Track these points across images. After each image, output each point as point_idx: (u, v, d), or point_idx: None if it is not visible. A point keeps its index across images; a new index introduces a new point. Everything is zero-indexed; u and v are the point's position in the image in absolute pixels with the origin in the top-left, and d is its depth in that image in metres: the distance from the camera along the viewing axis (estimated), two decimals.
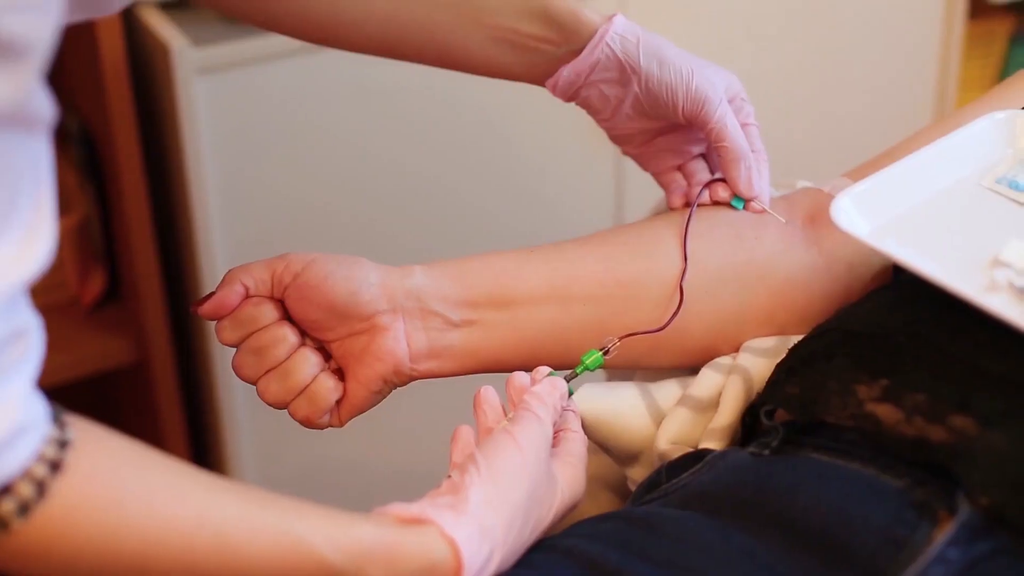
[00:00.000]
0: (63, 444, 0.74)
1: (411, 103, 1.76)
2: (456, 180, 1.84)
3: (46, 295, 1.79)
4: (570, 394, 1.01)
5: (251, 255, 1.05)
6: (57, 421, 0.75)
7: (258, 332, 1.02)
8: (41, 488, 0.73)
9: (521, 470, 0.90)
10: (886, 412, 0.93)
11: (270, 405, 1.03)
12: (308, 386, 1.02)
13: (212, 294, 1.02)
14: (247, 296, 1.02)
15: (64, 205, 1.77)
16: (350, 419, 1.05)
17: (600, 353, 1.05)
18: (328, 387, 1.03)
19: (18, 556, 0.74)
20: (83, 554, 0.75)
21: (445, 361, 1.06)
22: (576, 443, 0.98)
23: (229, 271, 1.03)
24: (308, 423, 1.03)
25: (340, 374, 1.04)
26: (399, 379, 1.05)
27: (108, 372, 1.83)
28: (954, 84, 2.17)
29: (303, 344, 1.03)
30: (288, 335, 1.02)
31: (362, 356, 1.03)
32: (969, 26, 2.19)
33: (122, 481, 0.76)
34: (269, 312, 1.02)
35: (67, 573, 0.76)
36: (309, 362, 1.02)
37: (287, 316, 1.03)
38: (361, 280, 1.02)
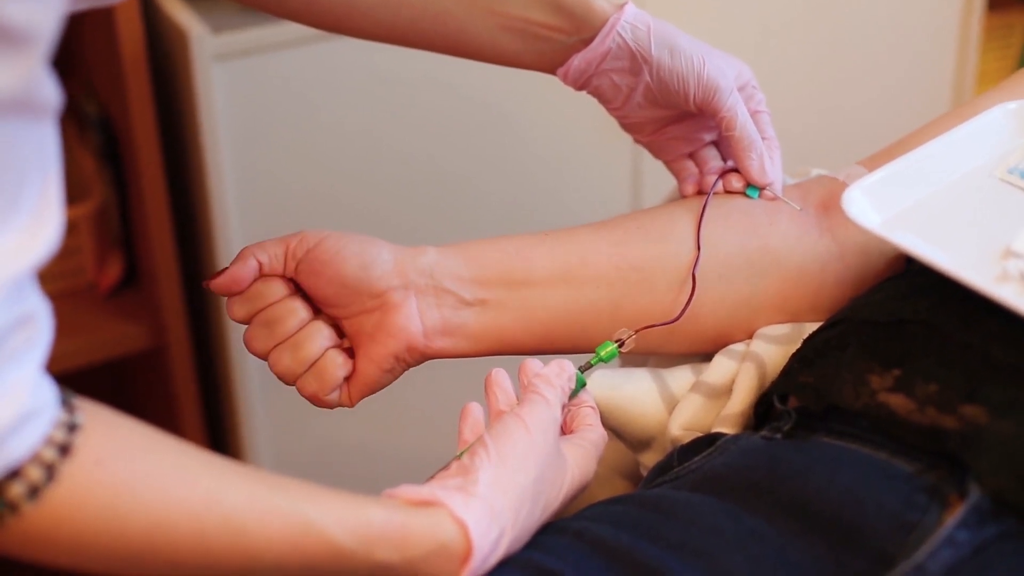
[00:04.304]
0: (72, 427, 0.74)
1: (427, 91, 1.76)
2: (472, 168, 1.84)
3: (63, 280, 1.80)
4: (582, 385, 1.00)
5: None
6: (66, 405, 0.75)
7: (270, 306, 1.02)
8: (50, 471, 0.73)
9: (530, 452, 0.90)
10: (899, 402, 0.93)
11: (280, 379, 1.03)
12: (317, 361, 1.02)
13: (225, 269, 1.02)
14: (261, 272, 1.02)
15: (82, 191, 1.78)
16: (360, 398, 1.05)
17: (615, 345, 1.05)
18: (337, 363, 1.02)
19: (28, 540, 0.74)
20: (92, 537, 0.75)
21: (459, 339, 1.06)
22: (594, 433, 0.98)
23: (244, 248, 1.03)
24: (316, 400, 1.03)
25: (352, 353, 1.04)
26: (412, 357, 1.04)
27: (125, 357, 1.83)
28: (972, 76, 2.17)
29: (315, 319, 1.03)
30: (299, 308, 1.03)
31: (374, 333, 1.03)
32: (987, 18, 2.19)
33: (131, 464, 0.76)
34: (279, 288, 1.02)
35: (77, 556, 0.76)
36: (320, 335, 1.02)
37: (301, 294, 1.03)
38: (373, 256, 1.03)
